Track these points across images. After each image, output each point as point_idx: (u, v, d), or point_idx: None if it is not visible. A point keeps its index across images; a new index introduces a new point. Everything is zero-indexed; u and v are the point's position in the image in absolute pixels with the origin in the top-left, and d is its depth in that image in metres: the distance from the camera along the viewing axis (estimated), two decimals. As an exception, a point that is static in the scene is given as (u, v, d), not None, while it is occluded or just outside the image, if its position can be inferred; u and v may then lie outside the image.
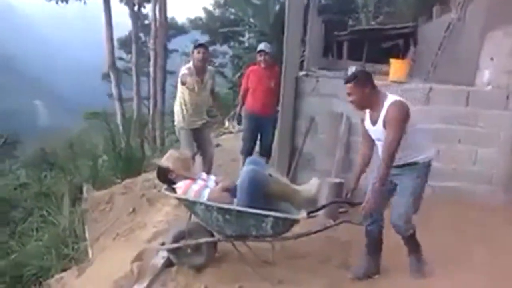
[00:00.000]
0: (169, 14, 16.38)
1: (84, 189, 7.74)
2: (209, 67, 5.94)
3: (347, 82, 3.57)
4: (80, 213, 7.03)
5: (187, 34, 25.01)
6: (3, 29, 63.92)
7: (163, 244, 4.10)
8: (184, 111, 5.71)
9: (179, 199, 3.83)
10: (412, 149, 3.56)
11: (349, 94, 3.58)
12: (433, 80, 7.94)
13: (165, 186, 3.98)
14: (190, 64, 5.61)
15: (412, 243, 3.79)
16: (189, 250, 3.91)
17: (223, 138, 10.88)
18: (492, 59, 5.87)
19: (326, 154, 6.02)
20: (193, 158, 5.64)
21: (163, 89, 13.38)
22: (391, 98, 3.51)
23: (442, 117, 5.82)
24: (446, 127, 5.84)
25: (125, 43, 22.21)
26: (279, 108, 6.05)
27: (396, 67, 5.97)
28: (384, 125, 3.46)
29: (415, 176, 3.61)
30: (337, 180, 5.42)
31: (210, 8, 23.62)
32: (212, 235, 3.87)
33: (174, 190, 3.89)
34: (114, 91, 13.55)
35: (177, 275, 3.96)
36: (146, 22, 22.19)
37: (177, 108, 5.81)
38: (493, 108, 5.70)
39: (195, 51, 5.56)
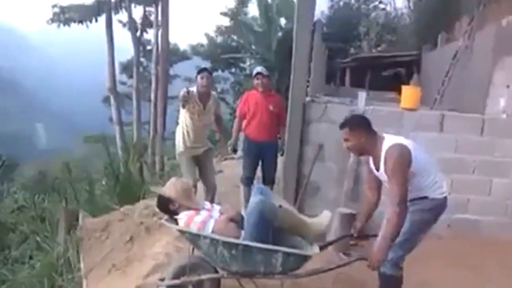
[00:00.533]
0: (171, 40, 16.41)
1: (80, 215, 7.42)
2: (213, 93, 5.74)
3: (342, 127, 3.37)
4: (75, 241, 6.71)
5: (189, 60, 25.00)
6: (4, 50, 64.24)
7: (162, 280, 3.80)
8: (186, 137, 5.49)
9: (181, 231, 3.55)
10: (420, 190, 3.30)
11: (345, 140, 3.36)
12: (440, 108, 7.78)
13: (166, 216, 3.71)
14: (194, 89, 5.41)
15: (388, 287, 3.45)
16: (190, 287, 3.61)
17: (224, 164, 10.61)
18: (508, 86, 5.68)
19: (334, 183, 5.79)
20: (195, 186, 5.39)
21: (164, 114, 13.19)
22: (389, 141, 3.24)
23: (456, 146, 5.61)
24: (460, 156, 5.62)
25: (126, 68, 22.17)
26: (286, 134, 5.82)
27: (407, 94, 5.78)
28: (385, 170, 3.21)
29: (418, 210, 3.30)
30: (348, 211, 5.17)
31: (212, 34, 23.65)
32: (216, 271, 3.57)
33: (175, 221, 3.63)
34: (114, 114, 13.36)
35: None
36: (149, 47, 22.21)
37: (178, 133, 5.60)
38: (509, 137, 5.49)
39: (199, 76, 5.39)
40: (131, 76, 20.97)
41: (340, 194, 5.66)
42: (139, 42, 16.65)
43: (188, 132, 5.47)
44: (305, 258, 3.31)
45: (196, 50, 23.97)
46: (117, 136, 13.15)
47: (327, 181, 5.81)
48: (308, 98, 6.01)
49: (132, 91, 18.64)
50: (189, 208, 3.62)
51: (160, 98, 13.30)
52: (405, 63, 14.68)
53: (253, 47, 19.15)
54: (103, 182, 11.49)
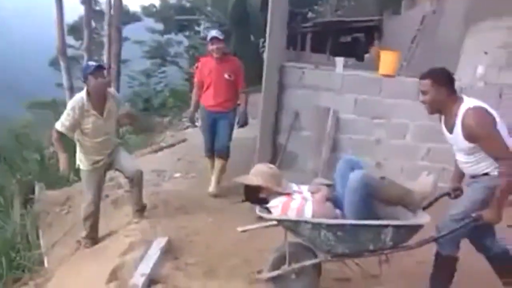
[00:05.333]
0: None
1: (36, 188, 6.92)
2: (110, 90, 4.66)
3: (424, 77, 3.09)
4: (33, 216, 6.24)
5: (139, 22, 23.95)
6: None
7: (260, 272, 3.53)
8: (82, 153, 4.59)
9: (279, 220, 3.19)
10: (486, 164, 3.05)
11: (423, 92, 3.10)
12: (408, 74, 7.69)
13: (258, 208, 3.31)
14: (83, 95, 4.34)
15: (443, 267, 3.26)
16: (293, 276, 3.31)
17: (188, 132, 10.22)
18: (486, 53, 5.59)
19: (311, 152, 5.59)
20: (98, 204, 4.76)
21: (118, 77, 12.54)
22: (468, 103, 3.00)
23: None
24: (435, 124, 5.53)
25: (73, 29, 20.95)
26: (261, 101, 5.54)
27: (386, 60, 5.57)
28: (465, 135, 2.98)
29: (482, 187, 3.07)
30: (325, 181, 4.98)
31: (166, -5, 22.70)
32: (315, 255, 3.28)
33: (268, 210, 3.28)
34: (64, 79, 12.54)
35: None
36: (97, 8, 21.05)
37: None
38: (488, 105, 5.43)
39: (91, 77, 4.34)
40: (79, 38, 19.88)
41: (318, 163, 5.48)
42: (90, 1, 15.62)
43: (84, 149, 4.56)
44: (416, 228, 3.06)
45: (148, 11, 22.95)
46: (68, 101, 12.36)
47: (304, 150, 5.61)
48: (285, 63, 5.70)
49: (81, 53, 17.70)
50: (280, 194, 3.28)
51: (114, 60, 12.63)
52: (364, 28, 14.58)
53: (208, 9, 18.54)
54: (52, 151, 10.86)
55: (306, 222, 3.07)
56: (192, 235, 4.41)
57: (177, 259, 3.89)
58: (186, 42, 21.35)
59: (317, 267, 3.38)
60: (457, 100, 3.04)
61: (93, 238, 4.79)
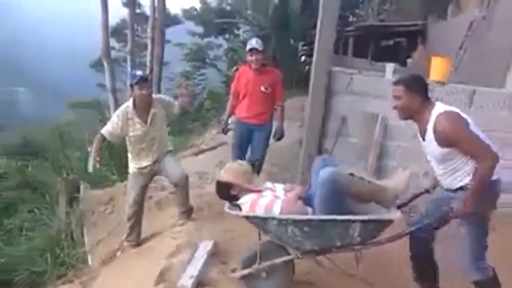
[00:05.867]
0: (165, 3, 15.58)
1: (82, 187, 7.04)
2: (156, 97, 4.71)
3: (397, 83, 3.10)
4: (78, 214, 6.34)
5: (180, 24, 24.19)
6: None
7: (233, 271, 3.56)
8: (130, 158, 4.72)
9: (247, 217, 3.21)
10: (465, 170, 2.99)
11: (395, 97, 3.10)
12: (456, 81, 7.48)
13: (227, 204, 3.37)
14: (129, 103, 4.49)
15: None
16: (264, 275, 3.31)
17: (229, 135, 10.18)
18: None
19: (357, 159, 5.48)
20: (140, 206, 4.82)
21: (159, 79, 12.68)
22: (440, 108, 2.99)
23: (485, 122, 5.32)
24: (489, 133, 5.33)
25: (116, 32, 21.35)
26: (308, 106, 5.47)
27: (437, 66, 5.42)
28: (438, 140, 2.93)
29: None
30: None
31: (207, -2, 22.81)
32: (288, 253, 3.27)
33: (238, 207, 3.30)
34: (107, 80, 12.77)
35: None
36: (138, 11, 21.37)
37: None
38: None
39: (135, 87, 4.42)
40: (121, 41, 20.23)
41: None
42: (134, 3, 15.87)
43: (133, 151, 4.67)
44: (385, 223, 3.03)
45: (188, 14, 23.13)
46: (111, 103, 12.59)
47: (351, 157, 5.50)
48: (333, 68, 5.61)
49: (123, 56, 18.03)
50: (251, 191, 3.31)
51: (156, 63, 12.78)
52: (406, 33, 14.30)
53: (249, 12, 18.53)
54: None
55: (272, 218, 3.08)
56: (237, 238, 4.36)
57: (224, 264, 3.85)
58: (225, 45, 21.40)
59: (290, 266, 3.37)
60: (429, 106, 3.03)
61: (136, 239, 4.83)
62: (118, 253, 4.91)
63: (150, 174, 4.77)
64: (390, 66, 5.45)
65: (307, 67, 17.77)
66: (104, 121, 12.69)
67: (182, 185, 4.69)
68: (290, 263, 3.35)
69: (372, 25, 14.96)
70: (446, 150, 2.94)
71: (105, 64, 12.92)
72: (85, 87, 25.61)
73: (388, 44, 16.76)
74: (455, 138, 2.88)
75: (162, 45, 13.04)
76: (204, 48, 20.54)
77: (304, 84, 7.77)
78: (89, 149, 10.98)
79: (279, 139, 5.39)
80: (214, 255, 3.97)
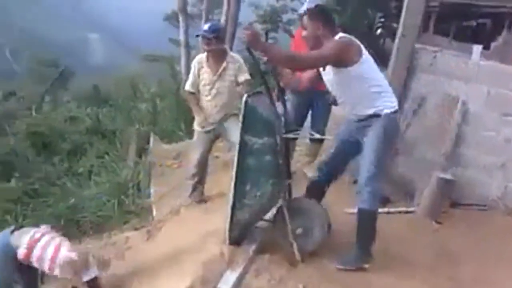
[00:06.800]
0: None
1: (152, 139, 7.25)
2: (233, 55, 4.75)
3: (304, 13, 3.30)
4: (146, 165, 6.56)
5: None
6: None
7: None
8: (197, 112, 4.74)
9: None
10: (372, 99, 3.21)
11: (303, 28, 3.31)
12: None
13: None
14: (204, 53, 4.61)
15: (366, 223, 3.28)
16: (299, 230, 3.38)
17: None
18: None
19: (432, 142, 5.27)
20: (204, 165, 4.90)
21: (233, 40, 12.60)
22: (342, 35, 3.19)
23: None
24: None
25: (192, -13, 21.41)
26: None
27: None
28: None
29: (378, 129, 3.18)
30: (447, 176, 4.70)
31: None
32: None
33: None
34: (181, 35, 12.86)
35: (271, 265, 3.40)
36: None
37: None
38: None
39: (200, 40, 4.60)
40: (195, -3, 20.28)
41: (438, 155, 5.16)
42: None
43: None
44: None
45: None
46: (183, 58, 12.67)
47: (425, 139, 5.29)
48: (417, 45, 5.35)
49: (196, 12, 18.06)
50: None
51: (230, 23, 12.65)
52: (492, 15, 13.40)
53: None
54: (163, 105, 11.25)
55: None
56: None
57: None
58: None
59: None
60: (334, 35, 3.16)
61: (199, 196, 4.96)
62: (182, 209, 5.05)
63: (214, 135, 4.81)
64: (477, 48, 5.11)
65: (383, 40, 17.14)
66: (174, 76, 12.92)
67: None
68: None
69: (458, 2, 14.10)
70: (337, 69, 3.14)
71: (181, 18, 12.98)
72: (156, 41, 26.06)
73: (471, 24, 15.83)
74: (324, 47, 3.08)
75: (238, 4, 12.87)
76: (278, 11, 20.18)
77: (380, 58, 7.50)
78: (157, 101, 11.30)
79: (334, 104, 5.06)
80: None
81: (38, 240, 3.47)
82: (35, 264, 3.47)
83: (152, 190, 6.09)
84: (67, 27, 53.26)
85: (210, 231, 3.89)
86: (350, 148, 3.44)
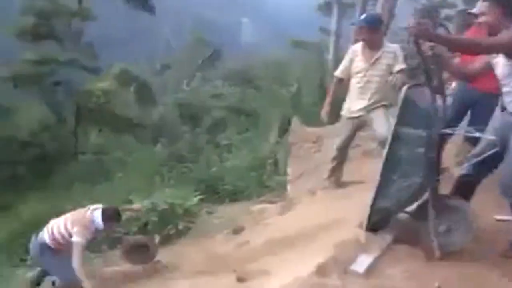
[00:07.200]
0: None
1: (293, 121, 7.42)
2: (392, 45, 4.70)
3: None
4: (286, 145, 6.74)
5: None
6: None
7: None
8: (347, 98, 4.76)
9: None
10: None
11: (482, 13, 3.06)
12: None
13: None
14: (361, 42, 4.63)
15: None
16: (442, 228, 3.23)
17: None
18: None
19: None
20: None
21: (386, 32, 12.24)
22: None
23: None
24: None
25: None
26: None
27: None
28: None
29: None
30: None
31: None
32: None
33: None
34: (333, 24, 12.84)
35: (407, 257, 3.31)
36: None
37: None
38: None
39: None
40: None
41: None
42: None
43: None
44: None
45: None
46: (331, 47, 12.65)
47: None
48: None
49: (351, 2, 17.83)
50: None
51: (385, 15, 12.31)
52: None
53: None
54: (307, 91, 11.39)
55: None
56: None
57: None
58: (461, 5, 19.60)
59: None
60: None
61: (336, 181, 4.97)
62: (318, 191, 5.11)
63: (359, 122, 4.76)
64: None
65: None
66: (321, 63, 12.99)
67: (383, 145, 4.59)
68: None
69: None
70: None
71: (335, 7, 12.95)
72: (306, 29, 26.27)
73: None
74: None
75: (395, -4, 12.45)
76: (437, 6, 19.11)
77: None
78: (295, 85, 11.46)
79: None
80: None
81: (52, 225, 4.38)
82: (61, 241, 4.29)
83: (289, 169, 6.24)
84: (227, 12, 55.92)
85: (344, 215, 3.90)
86: (502, 147, 3.21)
